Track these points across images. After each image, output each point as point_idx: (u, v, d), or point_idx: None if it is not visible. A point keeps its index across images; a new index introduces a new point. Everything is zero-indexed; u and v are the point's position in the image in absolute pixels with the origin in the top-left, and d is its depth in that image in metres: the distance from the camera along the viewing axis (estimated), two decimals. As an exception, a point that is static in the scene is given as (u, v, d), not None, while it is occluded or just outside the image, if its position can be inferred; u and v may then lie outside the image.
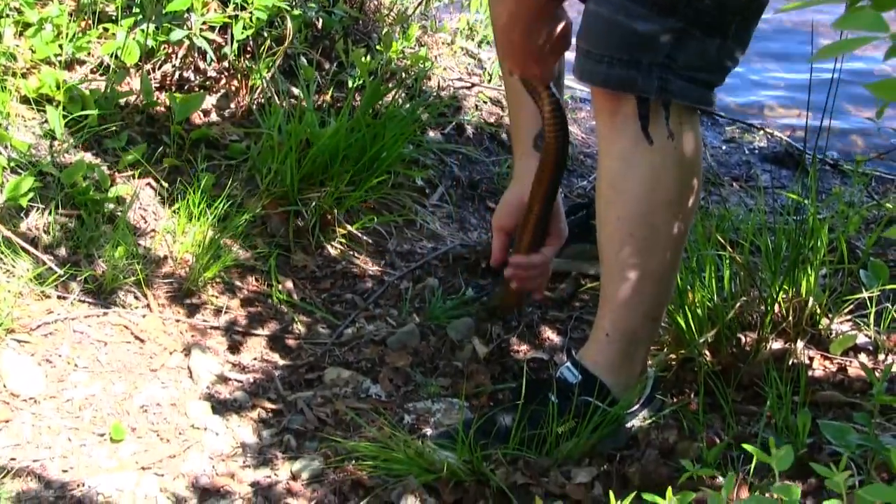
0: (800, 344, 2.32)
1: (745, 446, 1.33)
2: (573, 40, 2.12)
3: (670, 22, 1.93)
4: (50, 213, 2.53)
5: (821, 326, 2.36)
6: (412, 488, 1.99)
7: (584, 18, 2.02)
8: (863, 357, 2.35)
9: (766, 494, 1.87)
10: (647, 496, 1.32)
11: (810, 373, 2.27)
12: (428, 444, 2.10)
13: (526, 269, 2.42)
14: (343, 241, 2.84)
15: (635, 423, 2.15)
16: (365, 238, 2.88)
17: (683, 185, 2.04)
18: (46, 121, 2.70)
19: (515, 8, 2.10)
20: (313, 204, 2.78)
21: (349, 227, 2.84)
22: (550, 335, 2.59)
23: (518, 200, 2.40)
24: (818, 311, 2.36)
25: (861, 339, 2.36)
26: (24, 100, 2.73)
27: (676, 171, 2.01)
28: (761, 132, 3.86)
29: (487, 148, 3.45)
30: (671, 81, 1.96)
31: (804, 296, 2.34)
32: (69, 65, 2.87)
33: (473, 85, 3.62)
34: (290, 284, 2.67)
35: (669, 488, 1.29)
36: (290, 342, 2.52)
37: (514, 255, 2.43)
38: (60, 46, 2.80)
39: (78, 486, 2.04)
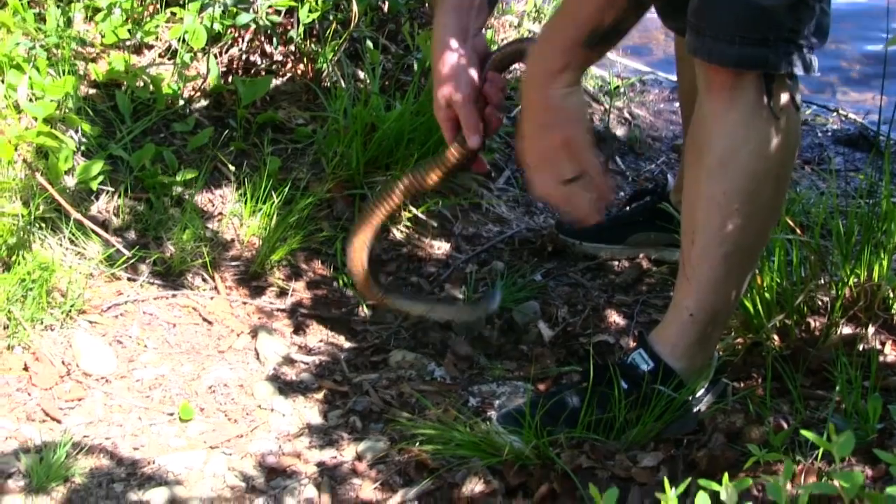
0: (871, 329, 2.30)
1: (805, 433, 1.33)
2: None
3: None
4: (119, 197, 2.59)
5: (893, 311, 2.34)
6: (476, 470, 2.01)
7: (702, 0, 1.98)
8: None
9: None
10: (702, 482, 1.33)
11: (881, 358, 2.25)
12: (493, 426, 2.12)
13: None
14: (408, 224, 2.87)
15: (701, 407, 2.15)
16: (430, 221, 2.91)
17: (790, 158, 2.05)
18: (115, 105, 2.75)
19: None
20: (378, 187, 2.81)
21: (414, 210, 2.87)
22: (617, 319, 2.60)
23: (469, 54, 2.18)
24: (890, 295, 2.33)
25: (935, 324, 2.34)
26: (94, 84, 2.78)
27: (786, 145, 2.01)
28: (834, 114, 3.82)
29: (554, 131, 3.45)
30: (794, 54, 1.95)
31: (876, 280, 2.31)
32: (138, 49, 2.92)
33: (540, 67, 3.62)
34: (355, 268, 2.71)
35: (726, 474, 1.30)
36: (356, 325, 2.56)
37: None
38: (129, 31, 2.86)
39: (148, 463, 2.10)
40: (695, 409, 2.14)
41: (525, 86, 2.03)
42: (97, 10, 2.87)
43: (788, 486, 1.84)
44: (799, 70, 1.98)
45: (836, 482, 1.31)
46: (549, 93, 1.98)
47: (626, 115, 3.67)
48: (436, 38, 2.18)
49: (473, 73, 2.16)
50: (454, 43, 2.16)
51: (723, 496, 1.28)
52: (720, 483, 1.87)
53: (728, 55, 1.96)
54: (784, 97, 1.99)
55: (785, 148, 2.02)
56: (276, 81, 3.06)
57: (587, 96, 3.65)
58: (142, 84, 2.80)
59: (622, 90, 3.77)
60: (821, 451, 1.86)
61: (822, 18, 2.00)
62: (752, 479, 1.35)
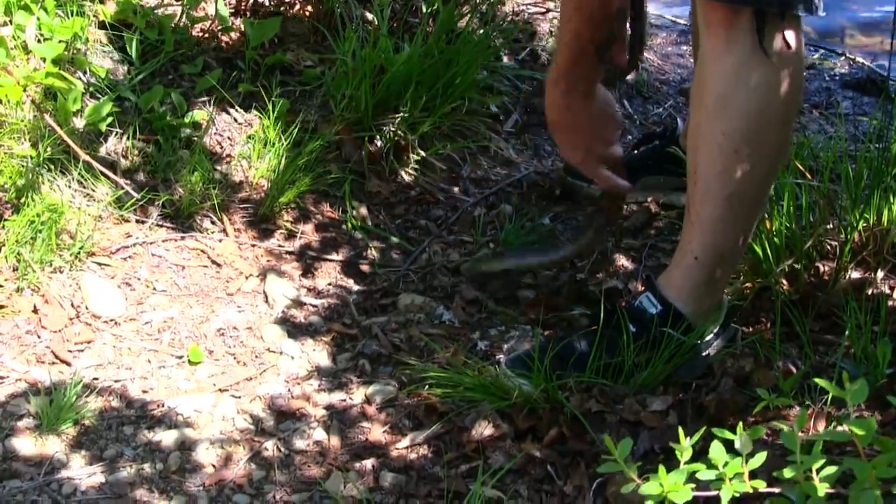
0: (880, 273, 2.28)
1: (818, 381, 1.29)
2: None
3: None
4: (128, 138, 2.55)
5: (902, 255, 2.31)
6: (485, 414, 2.00)
7: None
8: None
9: (843, 426, 1.84)
10: (716, 430, 1.30)
11: (890, 303, 2.22)
12: (502, 370, 2.10)
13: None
14: (417, 167, 2.82)
15: (710, 351, 2.12)
16: (439, 164, 2.87)
17: (791, 101, 2.00)
18: (124, 46, 2.71)
19: None
20: (387, 130, 2.77)
21: (423, 153, 2.83)
22: (625, 263, 2.56)
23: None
24: (900, 240, 2.30)
25: (945, 268, 2.31)
26: (102, 25, 2.73)
27: (788, 86, 1.97)
28: (842, 58, 3.76)
29: (562, 74, 3.39)
30: None
31: (885, 224, 2.28)
32: (146, -10, 2.87)
33: (548, 10, 3.56)
34: (364, 210, 2.67)
35: (740, 423, 1.27)
36: (365, 268, 2.53)
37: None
38: (137, -29, 2.80)
39: (157, 406, 2.08)
40: (704, 353, 2.11)
41: None
42: (104, -50, 2.81)
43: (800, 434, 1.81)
44: (797, 10, 1.93)
45: (848, 429, 1.28)
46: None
47: (634, 59, 3.60)
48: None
49: None
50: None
51: (737, 444, 1.25)
52: (730, 427, 1.85)
53: None
54: (779, 37, 1.93)
55: (785, 90, 1.97)
56: (284, 23, 3.00)
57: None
58: (150, 25, 2.74)
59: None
60: (830, 395, 1.83)
61: None
62: (764, 427, 1.31)
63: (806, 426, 1.85)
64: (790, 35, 1.95)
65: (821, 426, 1.83)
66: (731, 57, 1.94)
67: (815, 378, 1.51)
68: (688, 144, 2.07)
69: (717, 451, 1.28)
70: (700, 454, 1.35)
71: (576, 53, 2.11)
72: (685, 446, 1.27)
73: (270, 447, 2.01)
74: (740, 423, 1.25)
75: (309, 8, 3.04)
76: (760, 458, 1.31)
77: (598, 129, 2.23)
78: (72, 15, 2.60)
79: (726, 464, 1.29)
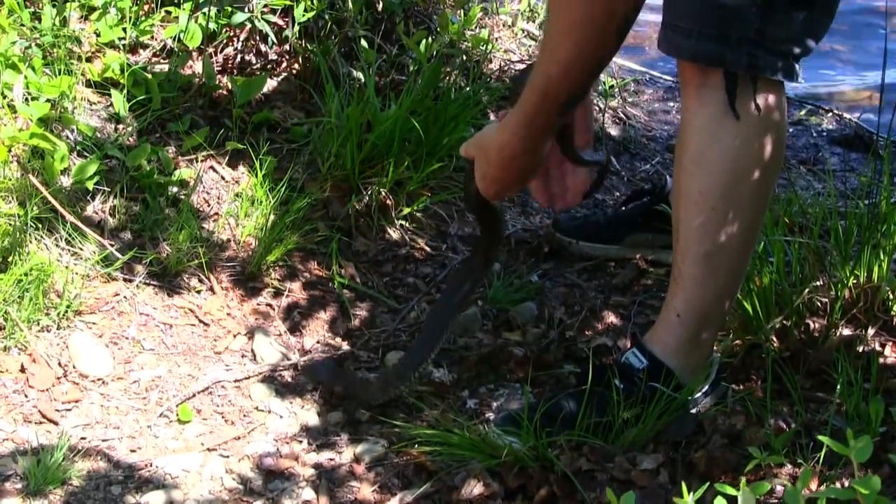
0: (871, 330, 2.30)
1: (822, 438, 1.31)
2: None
3: None
4: (115, 197, 2.58)
5: (893, 313, 2.34)
6: (475, 473, 2.01)
7: None
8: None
9: (837, 483, 1.86)
10: (719, 486, 1.32)
11: (882, 360, 2.25)
12: (492, 428, 2.12)
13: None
14: (404, 224, 2.86)
15: (700, 409, 2.15)
16: (427, 221, 2.90)
17: (768, 160, 2.03)
18: (111, 104, 2.74)
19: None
20: (374, 188, 2.80)
21: (410, 209, 2.86)
22: (614, 320, 2.59)
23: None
24: (890, 296, 2.33)
25: (935, 326, 2.34)
26: (89, 83, 2.77)
27: (762, 146, 2.01)
28: (830, 114, 3.82)
29: (549, 131, 3.44)
30: (760, 56, 1.95)
31: (875, 281, 2.31)
32: (133, 48, 2.91)
33: (535, 67, 3.61)
34: (351, 269, 2.70)
35: (743, 479, 1.29)
36: (352, 326, 2.55)
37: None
38: (124, 30, 2.84)
39: (145, 466, 2.09)
40: (693, 411, 2.14)
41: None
42: (93, 10, 2.85)
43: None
44: (769, 74, 1.97)
45: (839, 486, 1.30)
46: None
47: (621, 115, 3.66)
48: None
49: None
50: None
51: (740, 501, 1.27)
52: (717, 484, 1.87)
53: (685, 48, 1.98)
54: (750, 99, 1.98)
55: (761, 148, 2.01)
56: (271, 81, 3.04)
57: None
58: (137, 84, 2.78)
59: (616, 90, 3.77)
60: (823, 454, 1.86)
61: (811, 28, 1.99)
62: (768, 483, 1.33)
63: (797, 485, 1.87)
64: (764, 98, 1.99)
65: (813, 485, 1.85)
66: (704, 114, 1.99)
67: (817, 436, 1.52)
68: (672, 200, 2.11)
69: (720, 506, 1.30)
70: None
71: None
72: (689, 501, 1.28)
73: (259, 507, 2.02)
74: (743, 480, 1.27)
75: (296, 66, 3.09)
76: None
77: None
78: (59, 73, 2.64)
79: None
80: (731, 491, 1.27)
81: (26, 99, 2.54)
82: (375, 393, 2.27)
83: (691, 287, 2.09)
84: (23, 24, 2.67)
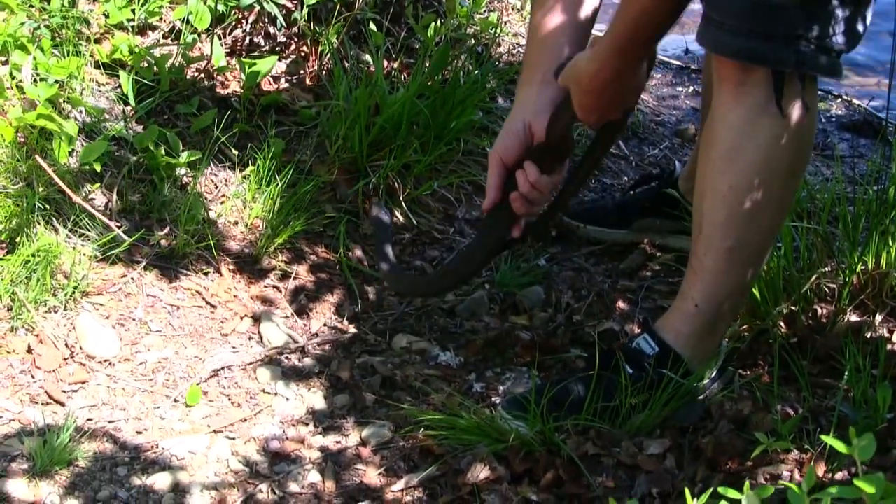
0: (879, 317, 2.29)
1: (824, 438, 1.29)
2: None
3: None
4: (123, 178, 2.57)
5: (901, 299, 2.33)
6: (481, 457, 2.00)
7: None
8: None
9: (843, 472, 1.85)
10: (722, 490, 1.30)
11: (890, 346, 2.23)
12: (499, 411, 2.11)
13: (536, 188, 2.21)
14: (412, 207, 2.84)
15: (707, 395, 2.14)
16: (434, 205, 2.89)
17: (800, 158, 2.03)
18: (119, 86, 2.73)
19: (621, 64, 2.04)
20: (382, 170, 2.79)
21: (418, 193, 2.85)
22: (621, 305, 2.58)
23: (523, 128, 2.19)
24: (899, 283, 2.32)
25: (943, 311, 2.33)
26: (98, 65, 2.76)
27: (797, 143, 2.00)
28: (839, 100, 3.79)
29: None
30: (807, 53, 1.92)
31: (884, 267, 2.30)
32: (142, 30, 2.90)
33: (544, 51, 3.59)
34: (358, 252, 2.69)
35: (747, 483, 1.27)
36: (359, 309, 2.54)
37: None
38: (133, 11, 2.83)
39: (152, 447, 2.08)
40: (701, 397, 2.13)
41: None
42: (101, -9, 2.84)
43: (797, 476, 1.83)
44: (815, 71, 1.95)
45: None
46: None
47: (630, 100, 3.63)
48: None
49: (512, 142, 2.19)
50: (519, 108, 2.20)
51: (744, 502, 1.25)
52: (728, 471, 1.86)
53: (729, 46, 1.94)
54: (795, 96, 1.96)
55: (795, 147, 2.00)
56: (279, 63, 3.03)
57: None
58: (146, 65, 2.77)
59: (626, 74, 3.73)
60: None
61: (854, 23, 1.96)
62: (772, 487, 1.31)
63: (804, 471, 1.86)
64: (809, 97, 1.98)
65: (820, 470, 1.84)
66: (741, 111, 1.97)
67: (820, 435, 1.51)
68: (695, 194, 2.09)
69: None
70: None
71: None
72: (699, 505, 1.27)
73: (265, 490, 2.01)
74: (746, 483, 1.25)
75: (304, 48, 3.07)
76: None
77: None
78: (68, 55, 2.63)
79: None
80: (734, 494, 1.25)
81: (35, 80, 2.53)
82: (405, 285, 2.46)
83: (712, 279, 2.08)
84: (31, 6, 2.65)
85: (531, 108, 2.18)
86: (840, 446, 1.24)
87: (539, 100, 2.17)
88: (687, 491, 1.33)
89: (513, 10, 3.76)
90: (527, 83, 2.23)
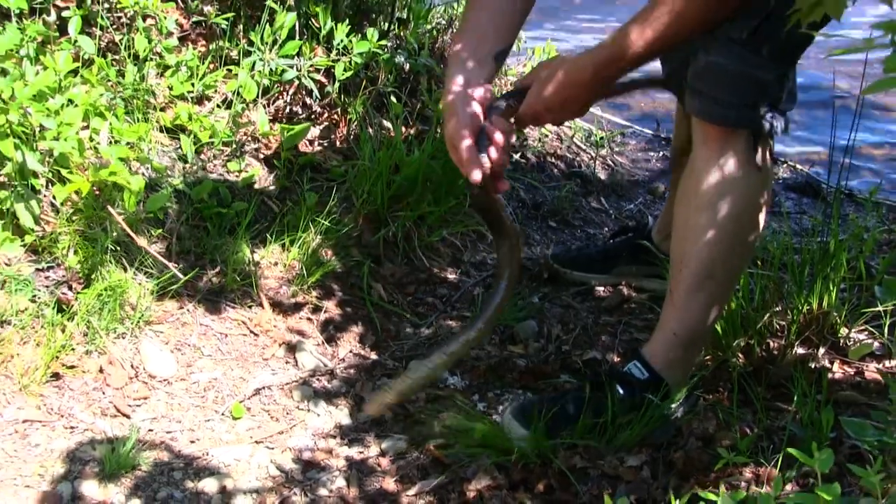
0: (822, 350, 2.28)
1: (792, 451, 1.28)
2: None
3: (781, 68, 1.93)
4: (181, 224, 2.56)
5: (840, 335, 2.32)
6: (485, 467, 1.99)
7: (705, 69, 1.94)
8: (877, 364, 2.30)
9: (794, 484, 1.83)
10: (701, 493, 1.29)
11: (831, 375, 2.23)
12: (506, 416, 2.09)
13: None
14: (425, 252, 2.84)
15: (678, 415, 2.12)
16: (444, 250, 2.88)
17: (766, 203, 2.05)
18: (180, 147, 2.73)
19: None
20: (400, 220, 2.79)
21: (430, 240, 2.84)
22: (603, 337, 2.56)
23: (466, 91, 1.91)
24: (838, 321, 2.31)
25: (876, 346, 2.32)
26: (162, 129, 2.76)
27: (764, 192, 2.02)
28: (784, 164, 3.80)
29: (549, 174, 3.43)
30: (776, 117, 1.97)
31: (826, 308, 2.29)
32: (199, 100, 2.90)
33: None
34: (380, 289, 2.68)
35: (722, 486, 1.26)
36: (380, 338, 2.52)
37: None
38: (192, 84, 2.83)
39: (203, 455, 2.06)
40: (672, 417, 2.11)
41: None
42: (167, 67, 2.84)
43: (754, 486, 1.81)
44: (777, 131, 1.98)
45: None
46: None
47: (609, 162, 3.64)
48: (445, 87, 1.95)
49: (473, 110, 1.88)
50: (457, 86, 1.90)
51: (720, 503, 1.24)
52: (697, 481, 1.84)
53: (719, 114, 1.96)
54: (764, 153, 1.99)
55: (764, 195, 2.01)
56: (314, 129, 3.04)
57: (575, 146, 3.63)
58: (202, 129, 2.77)
59: (605, 141, 3.75)
60: (781, 455, 1.84)
61: (793, 86, 2.00)
62: (743, 492, 1.30)
63: (761, 480, 1.85)
64: (770, 150, 2.01)
65: (773, 482, 1.82)
66: (725, 166, 1.98)
67: (787, 448, 1.49)
68: (673, 238, 2.09)
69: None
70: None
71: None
72: (675, 509, 1.25)
73: (298, 493, 1.99)
74: (722, 487, 1.24)
75: (335, 116, 3.08)
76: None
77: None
78: (137, 121, 2.63)
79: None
80: (711, 497, 1.24)
81: (110, 142, 2.53)
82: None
83: (690, 311, 2.07)
84: (109, 80, 2.66)
85: (465, 81, 1.92)
86: (805, 459, 1.23)
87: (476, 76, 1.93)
88: (672, 496, 1.31)
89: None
90: (465, 61, 1.95)
